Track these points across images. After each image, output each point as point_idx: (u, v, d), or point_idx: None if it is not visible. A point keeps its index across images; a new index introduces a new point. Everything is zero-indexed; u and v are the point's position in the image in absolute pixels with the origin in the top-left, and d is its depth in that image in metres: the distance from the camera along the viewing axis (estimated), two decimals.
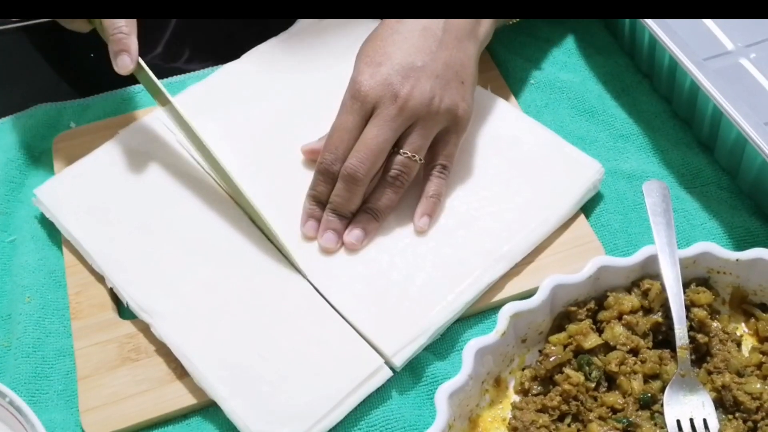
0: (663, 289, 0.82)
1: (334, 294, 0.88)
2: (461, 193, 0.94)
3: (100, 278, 0.91)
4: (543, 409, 0.79)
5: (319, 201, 0.92)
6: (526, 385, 0.81)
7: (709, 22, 0.99)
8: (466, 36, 0.93)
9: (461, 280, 0.87)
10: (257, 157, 0.98)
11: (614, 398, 0.79)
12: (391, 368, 0.84)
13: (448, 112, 0.90)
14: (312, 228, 0.92)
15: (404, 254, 0.90)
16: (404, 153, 0.90)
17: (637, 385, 0.80)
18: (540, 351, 0.83)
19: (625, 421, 0.78)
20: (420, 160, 0.91)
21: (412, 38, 0.91)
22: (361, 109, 0.90)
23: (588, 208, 0.95)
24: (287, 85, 1.04)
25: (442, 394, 0.75)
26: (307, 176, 0.94)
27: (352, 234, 0.90)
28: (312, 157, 0.97)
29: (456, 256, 0.89)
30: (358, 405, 0.83)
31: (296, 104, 1.04)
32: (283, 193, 0.95)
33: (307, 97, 1.04)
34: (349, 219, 0.91)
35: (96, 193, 0.96)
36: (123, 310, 0.91)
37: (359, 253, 0.90)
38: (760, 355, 0.81)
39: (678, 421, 0.77)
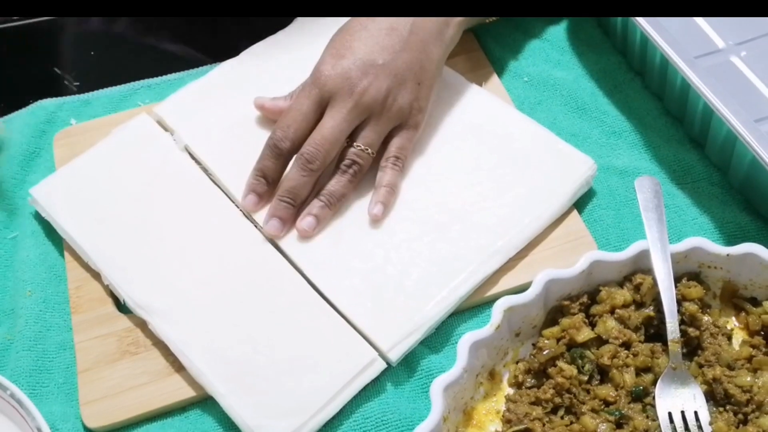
0: (655, 284, 0.82)
1: (330, 289, 0.88)
2: (455, 189, 0.94)
3: (98, 274, 0.92)
4: (536, 402, 0.79)
5: (264, 175, 0.94)
6: (520, 378, 0.82)
7: (700, 21, 1.00)
8: (432, 39, 0.96)
9: (456, 274, 0.88)
10: (255, 154, 0.99)
11: (606, 391, 0.80)
12: (387, 362, 0.85)
13: (401, 111, 0.93)
14: (251, 202, 0.94)
15: (399, 249, 0.90)
16: (357, 146, 0.93)
17: (629, 378, 0.80)
18: (534, 344, 0.84)
19: (617, 413, 0.78)
20: (372, 153, 0.93)
21: (379, 36, 0.94)
22: (318, 95, 0.93)
23: (581, 203, 0.96)
24: (286, 83, 1.05)
25: (437, 387, 0.75)
26: None
27: (305, 221, 0.91)
28: (264, 113, 1.01)
29: (450, 251, 0.90)
30: (354, 398, 0.83)
31: None
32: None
33: None
34: (297, 207, 0.93)
35: (91, 192, 0.96)
36: (122, 305, 0.91)
37: (355, 248, 0.91)
38: (750, 349, 0.82)
39: (669, 414, 0.77)
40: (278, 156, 0.93)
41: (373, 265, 0.90)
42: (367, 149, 0.93)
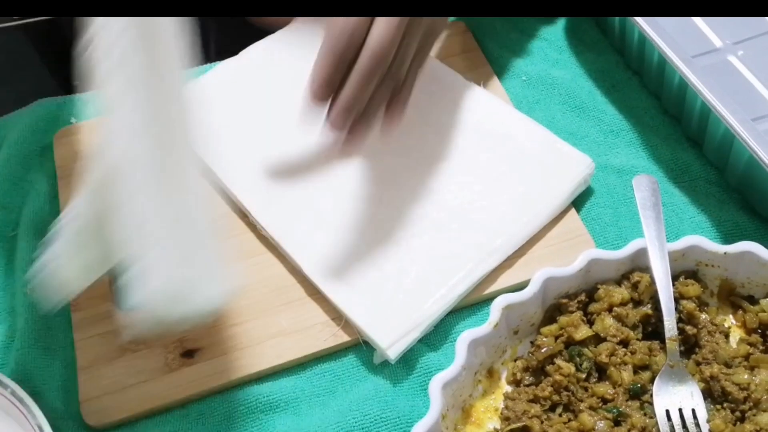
0: (652, 282, 0.83)
1: (329, 287, 0.89)
2: (454, 188, 0.95)
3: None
4: (535, 399, 0.80)
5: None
6: (518, 375, 0.82)
7: (697, 20, 1.00)
8: None
9: (454, 273, 0.88)
10: (255, 152, 0.99)
11: (604, 389, 0.80)
12: (386, 360, 0.86)
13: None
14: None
15: (398, 247, 0.91)
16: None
17: (627, 375, 0.80)
18: (532, 342, 0.84)
19: (615, 410, 0.78)
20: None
21: None
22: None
23: (579, 202, 0.96)
24: (287, 82, 1.05)
25: (436, 385, 0.75)
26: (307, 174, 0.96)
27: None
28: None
29: (449, 250, 0.90)
30: (353, 396, 0.84)
31: (296, 100, 1.04)
32: (277, 192, 0.96)
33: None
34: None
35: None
36: (122, 302, 0.92)
37: (354, 246, 0.91)
38: (748, 347, 0.82)
39: (667, 411, 0.78)
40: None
41: (371, 263, 0.90)
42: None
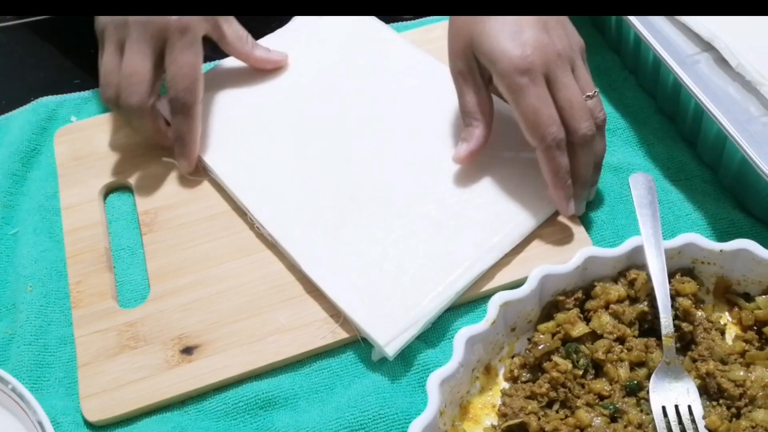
0: (649, 279, 0.83)
1: (327, 284, 0.89)
2: (451, 186, 0.95)
3: (100, 269, 0.93)
4: (532, 396, 0.80)
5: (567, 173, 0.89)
6: (516, 372, 0.82)
7: (691, 20, 1.00)
8: None
9: (452, 270, 0.88)
10: (254, 150, 1.00)
11: (601, 385, 0.80)
12: (384, 357, 0.86)
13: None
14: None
15: (396, 245, 0.91)
16: (587, 95, 0.89)
17: (623, 372, 0.80)
18: (529, 339, 0.84)
19: (611, 407, 0.78)
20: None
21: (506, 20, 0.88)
22: (539, 80, 0.86)
23: None
24: (282, 81, 1.06)
25: (434, 382, 0.76)
26: (305, 172, 0.97)
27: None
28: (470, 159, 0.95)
29: (446, 247, 0.90)
30: (351, 393, 0.84)
31: (296, 98, 1.05)
32: (276, 190, 0.97)
33: (306, 91, 1.06)
34: None
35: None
36: (122, 299, 0.92)
37: (352, 244, 0.91)
38: (743, 343, 0.82)
39: (663, 408, 0.78)
40: (563, 150, 0.88)
41: (369, 261, 0.90)
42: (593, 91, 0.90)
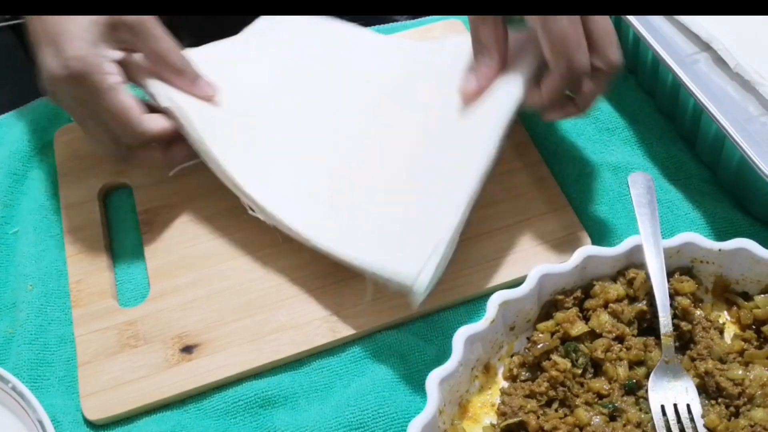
0: (648, 278, 0.83)
1: (339, 247, 0.86)
2: (430, 116, 0.94)
3: (100, 268, 0.93)
4: (531, 395, 0.80)
5: None
6: (515, 371, 0.82)
7: (690, 20, 1.00)
8: None
9: (456, 180, 0.86)
10: (252, 131, 0.97)
11: (600, 384, 0.80)
12: (383, 354, 0.86)
13: None
14: None
15: (397, 186, 0.89)
16: None
17: (622, 371, 0.81)
18: (528, 338, 0.84)
19: (610, 406, 0.79)
20: None
21: None
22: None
23: (574, 198, 0.96)
24: (283, 62, 1.03)
25: (433, 381, 0.76)
26: (298, 150, 0.95)
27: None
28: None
29: (443, 161, 0.88)
30: (351, 392, 0.84)
31: (292, 80, 1.03)
32: (272, 172, 0.94)
33: (288, 78, 1.04)
34: None
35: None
36: (122, 298, 0.93)
37: (353, 203, 0.90)
38: (742, 342, 0.82)
39: (662, 406, 0.78)
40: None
41: (375, 211, 0.88)
42: None
